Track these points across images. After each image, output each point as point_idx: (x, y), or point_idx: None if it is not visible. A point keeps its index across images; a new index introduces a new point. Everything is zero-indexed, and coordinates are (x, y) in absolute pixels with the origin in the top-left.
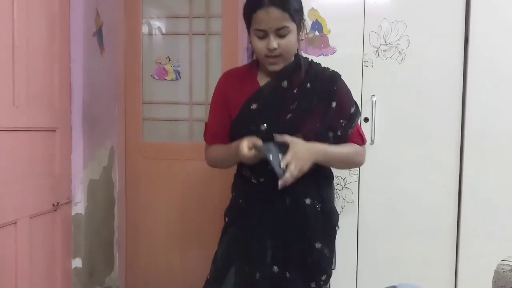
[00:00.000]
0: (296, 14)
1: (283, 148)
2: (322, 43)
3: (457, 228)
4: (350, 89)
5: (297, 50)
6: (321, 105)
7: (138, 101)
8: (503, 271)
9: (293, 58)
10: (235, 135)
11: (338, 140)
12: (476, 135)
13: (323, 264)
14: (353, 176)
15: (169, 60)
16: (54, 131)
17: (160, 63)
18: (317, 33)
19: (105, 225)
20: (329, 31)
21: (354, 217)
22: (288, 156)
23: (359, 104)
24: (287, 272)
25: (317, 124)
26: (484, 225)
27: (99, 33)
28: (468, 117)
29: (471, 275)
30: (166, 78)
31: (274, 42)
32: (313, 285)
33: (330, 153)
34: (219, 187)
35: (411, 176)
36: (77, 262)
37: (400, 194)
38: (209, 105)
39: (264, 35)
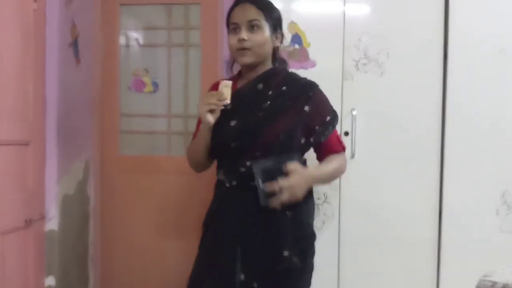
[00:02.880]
0: (271, 17)
1: (279, 171)
2: (302, 56)
3: (438, 241)
4: (328, 100)
5: (276, 58)
6: (294, 106)
7: (114, 114)
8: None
9: (270, 62)
10: (212, 134)
11: (308, 147)
12: (456, 148)
13: (292, 273)
14: (334, 190)
15: (147, 72)
16: (27, 144)
17: (137, 75)
18: (296, 46)
19: (79, 242)
20: (308, 44)
21: (335, 231)
22: (284, 182)
23: (339, 117)
24: (254, 282)
25: (289, 124)
26: (465, 239)
27: (75, 44)
28: (448, 130)
29: None
30: (144, 90)
31: (244, 33)
32: None
33: (323, 176)
34: (198, 202)
35: (391, 189)
36: (50, 280)
37: (381, 208)
38: (188, 118)
39: (236, 28)
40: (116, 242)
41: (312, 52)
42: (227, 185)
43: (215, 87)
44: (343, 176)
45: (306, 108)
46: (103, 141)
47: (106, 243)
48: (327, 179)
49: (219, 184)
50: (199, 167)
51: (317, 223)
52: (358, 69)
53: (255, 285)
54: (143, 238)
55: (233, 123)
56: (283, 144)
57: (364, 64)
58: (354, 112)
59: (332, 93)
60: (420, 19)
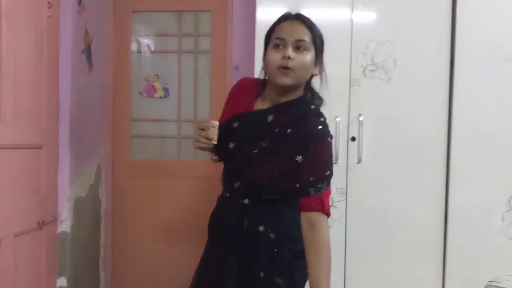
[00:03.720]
0: (318, 41)
1: None
2: None
3: (444, 247)
4: (331, 156)
5: (308, 87)
6: (288, 155)
7: (126, 118)
8: None
9: (301, 90)
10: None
11: (296, 194)
12: (463, 153)
13: None
14: (341, 194)
15: (158, 78)
16: (41, 148)
17: (148, 80)
18: None
19: (91, 244)
20: None
21: (342, 236)
22: None
23: (346, 123)
24: None
25: (275, 171)
26: (471, 244)
27: (88, 50)
28: (454, 136)
29: None
30: (155, 95)
31: (290, 51)
32: None
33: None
34: (208, 205)
35: (398, 194)
36: (62, 281)
37: (387, 213)
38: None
39: (282, 44)
40: (127, 245)
41: None
42: (224, 193)
43: (241, 87)
44: (350, 180)
45: (299, 158)
46: (114, 145)
47: (117, 245)
48: (329, 277)
49: (222, 189)
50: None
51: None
52: (365, 75)
53: None
54: (154, 241)
55: (231, 145)
56: (268, 190)
57: (371, 70)
58: (361, 118)
59: (340, 99)
60: (427, 26)
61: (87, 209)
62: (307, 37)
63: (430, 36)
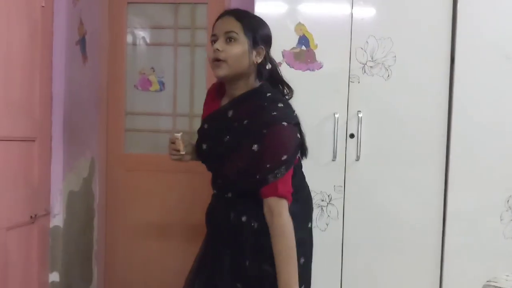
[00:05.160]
0: (252, 30)
1: None
2: (309, 57)
3: (442, 246)
4: (289, 139)
5: (262, 76)
6: (246, 145)
7: (120, 112)
8: None
9: (252, 80)
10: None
11: (258, 184)
12: (461, 152)
13: (265, 280)
14: (339, 192)
15: (153, 71)
16: (34, 140)
17: (144, 73)
18: (303, 47)
19: (84, 238)
20: (316, 46)
21: (339, 233)
22: None
23: (344, 119)
24: (238, 284)
25: (239, 163)
26: (469, 244)
27: (82, 42)
28: (454, 134)
29: None
30: (150, 88)
31: (219, 44)
32: None
33: (293, 272)
34: (202, 200)
35: (396, 192)
36: (54, 276)
37: (384, 211)
38: (193, 117)
39: (215, 40)
40: (119, 239)
41: (319, 54)
42: (213, 190)
43: (211, 91)
44: (348, 178)
45: (255, 147)
46: (108, 139)
47: (110, 240)
48: (294, 267)
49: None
50: None
51: (320, 225)
52: (364, 71)
53: (238, 286)
54: (147, 236)
55: (204, 146)
56: (239, 185)
57: (371, 67)
58: (360, 115)
59: (339, 95)
60: (427, 23)
61: (80, 203)
62: (236, 28)
63: (431, 32)
